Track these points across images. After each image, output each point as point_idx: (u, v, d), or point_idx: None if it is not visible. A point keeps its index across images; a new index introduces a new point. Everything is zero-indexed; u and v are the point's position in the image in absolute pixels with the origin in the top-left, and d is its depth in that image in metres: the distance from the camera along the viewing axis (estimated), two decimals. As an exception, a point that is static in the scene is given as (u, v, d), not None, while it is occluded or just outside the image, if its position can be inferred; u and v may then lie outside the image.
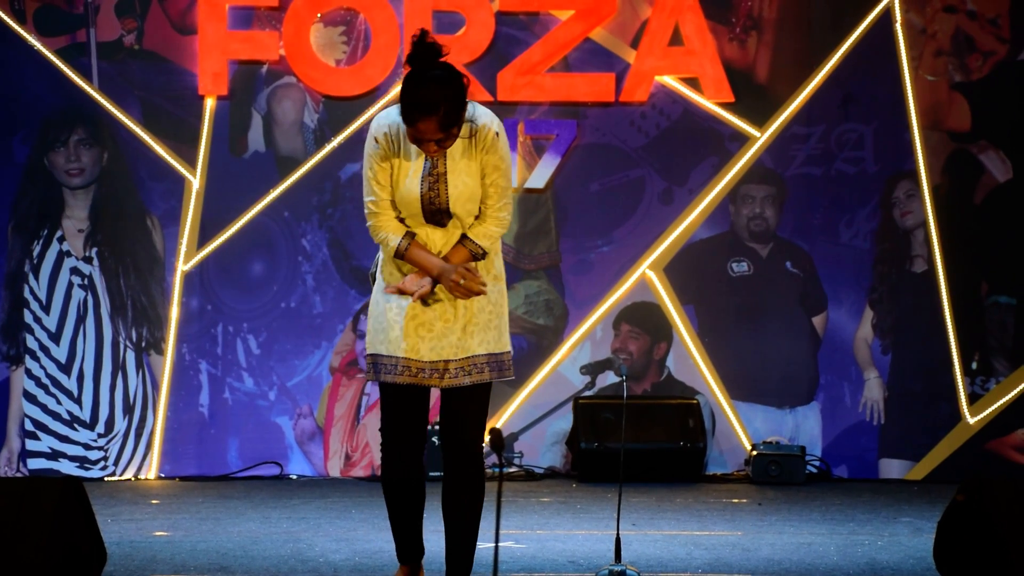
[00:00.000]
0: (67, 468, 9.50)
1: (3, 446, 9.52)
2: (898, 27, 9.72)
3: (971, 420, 9.71)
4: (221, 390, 9.61)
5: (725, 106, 9.71)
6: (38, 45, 9.53)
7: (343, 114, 9.66)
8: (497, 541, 4.65)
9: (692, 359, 9.75)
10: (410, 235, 5.07)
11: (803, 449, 9.45)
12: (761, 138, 9.73)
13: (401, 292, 5.07)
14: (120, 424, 9.56)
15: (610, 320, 9.76)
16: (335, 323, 9.68)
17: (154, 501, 8.59)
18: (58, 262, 9.57)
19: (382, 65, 9.60)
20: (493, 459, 9.17)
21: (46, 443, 9.52)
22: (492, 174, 5.07)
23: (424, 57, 4.96)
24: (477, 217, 5.11)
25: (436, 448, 8.35)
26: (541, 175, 9.69)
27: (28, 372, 9.54)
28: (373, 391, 9.61)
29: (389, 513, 5.22)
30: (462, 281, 5.00)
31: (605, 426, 9.31)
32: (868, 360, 9.78)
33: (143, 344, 9.58)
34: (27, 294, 9.56)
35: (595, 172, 9.77)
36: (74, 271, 9.58)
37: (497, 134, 5.06)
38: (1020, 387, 9.71)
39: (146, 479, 9.54)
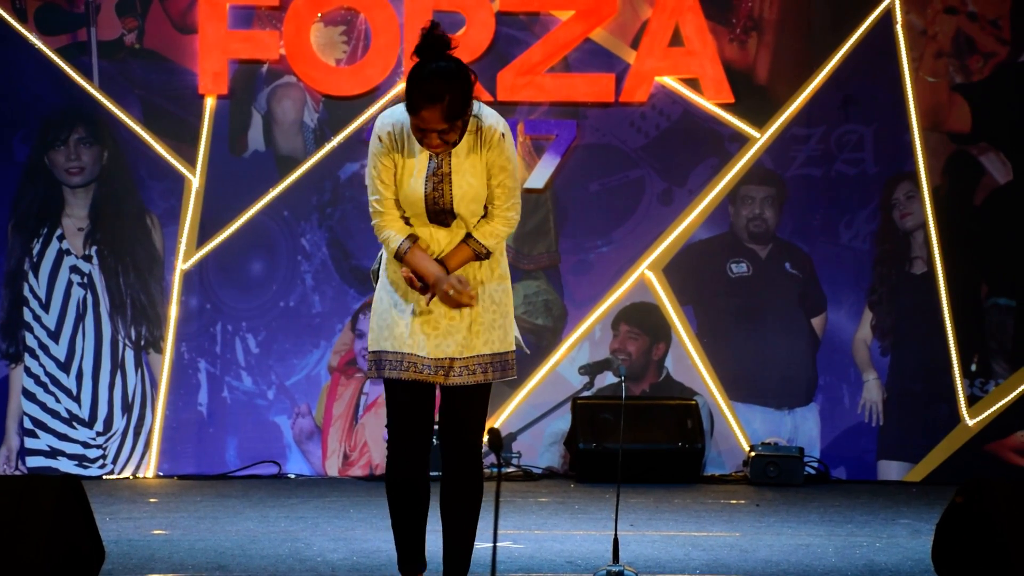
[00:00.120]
0: (66, 466, 9.50)
1: (2, 444, 9.52)
2: (898, 28, 9.72)
3: (970, 422, 9.71)
4: (220, 389, 9.61)
5: (725, 107, 9.71)
6: (39, 44, 9.53)
7: (343, 114, 9.66)
8: (495, 541, 4.65)
9: (691, 360, 9.75)
10: (412, 238, 5.04)
11: (801, 450, 9.45)
12: (761, 139, 9.73)
13: (412, 283, 5.04)
14: (119, 422, 9.56)
15: (609, 320, 9.76)
16: (334, 322, 9.68)
17: (152, 500, 8.59)
18: (58, 260, 9.57)
19: (382, 65, 9.60)
20: (491, 459, 9.17)
21: (45, 441, 9.53)
22: (499, 175, 5.05)
23: (432, 49, 4.94)
24: (483, 217, 5.09)
25: (435, 447, 8.34)
26: (541, 175, 9.70)
27: (27, 370, 9.54)
28: (371, 391, 9.62)
29: (392, 517, 5.16)
30: (451, 292, 4.98)
31: (603, 426, 9.31)
32: (867, 361, 9.78)
33: (142, 343, 9.58)
34: (27, 292, 9.56)
35: (595, 172, 9.77)
36: (74, 269, 9.58)
37: (503, 135, 5.03)
38: (1019, 389, 9.71)
39: (144, 478, 9.54)
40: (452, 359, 5.06)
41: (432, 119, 4.90)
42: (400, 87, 9.46)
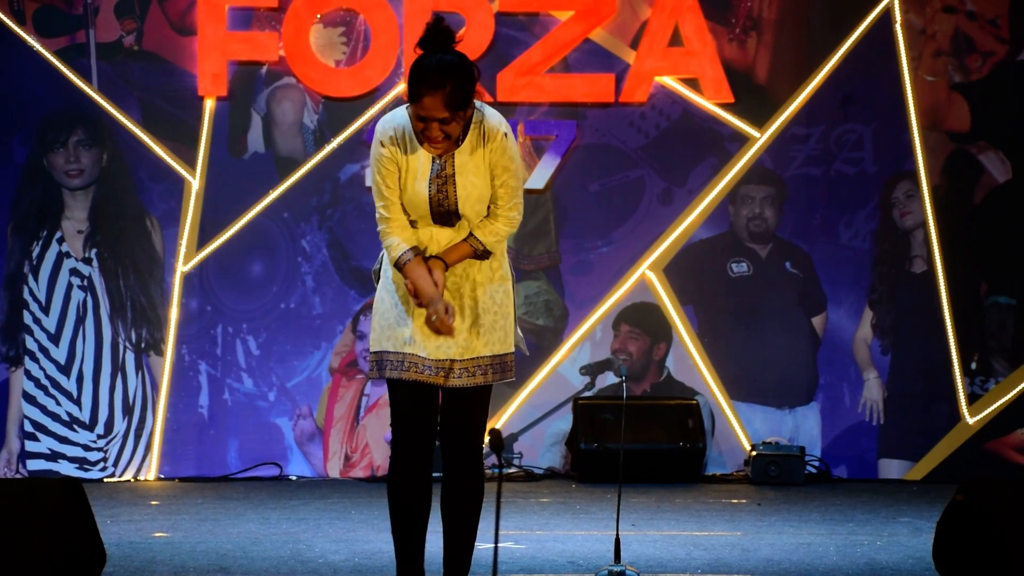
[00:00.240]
0: (66, 469, 9.50)
1: (3, 447, 9.52)
2: (898, 27, 9.72)
3: (970, 420, 9.71)
4: (221, 391, 9.62)
5: (725, 107, 9.72)
6: (37, 46, 9.53)
7: (343, 115, 9.66)
8: (496, 542, 4.65)
9: (692, 359, 9.75)
10: (415, 250, 5.01)
11: (802, 449, 9.45)
12: (761, 139, 9.74)
13: (411, 292, 5.03)
14: (119, 425, 9.56)
15: (610, 321, 9.76)
16: (335, 324, 9.68)
17: (153, 502, 8.59)
18: (57, 263, 9.57)
19: (382, 66, 9.60)
20: (493, 459, 9.17)
21: (45, 444, 9.53)
22: (502, 175, 5.03)
23: (435, 42, 4.92)
24: (486, 216, 5.07)
25: (436, 448, 8.34)
26: (541, 176, 9.70)
27: (27, 373, 9.54)
28: (372, 392, 9.62)
29: (392, 521, 5.12)
30: (434, 319, 4.95)
31: (604, 426, 9.31)
32: (867, 360, 9.78)
33: (143, 345, 9.58)
34: (26, 295, 9.56)
35: (595, 173, 9.77)
36: (73, 272, 9.58)
37: (506, 134, 5.01)
38: (1019, 387, 9.72)
39: (145, 480, 9.54)
40: (452, 361, 5.05)
41: (433, 106, 4.87)
42: (400, 88, 9.47)
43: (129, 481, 9.53)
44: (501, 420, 9.58)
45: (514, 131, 9.46)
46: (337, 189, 9.67)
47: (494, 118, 5.03)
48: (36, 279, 9.56)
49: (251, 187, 9.64)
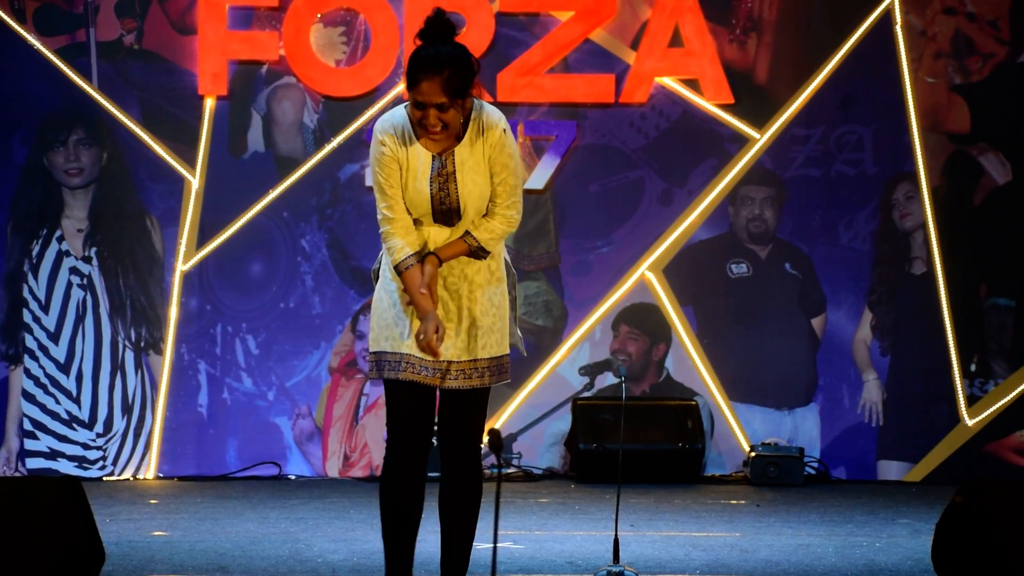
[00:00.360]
0: (66, 468, 9.50)
1: (2, 445, 9.52)
2: (898, 29, 9.72)
3: (970, 422, 9.71)
4: (220, 390, 9.62)
5: (725, 107, 9.72)
6: (38, 45, 9.53)
7: (343, 114, 9.66)
8: (495, 542, 4.65)
9: (691, 360, 9.75)
10: (416, 256, 4.98)
11: (801, 450, 9.45)
12: (761, 139, 9.74)
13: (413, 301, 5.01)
14: (119, 424, 9.56)
15: (609, 321, 9.76)
16: (334, 324, 9.68)
17: (152, 501, 8.59)
18: (57, 262, 9.58)
19: (382, 66, 9.60)
20: (492, 460, 9.17)
21: (45, 443, 9.53)
22: (501, 173, 5.00)
23: (434, 33, 4.90)
24: (484, 215, 5.05)
25: (435, 449, 8.34)
26: (541, 176, 9.70)
27: (27, 372, 9.55)
28: (372, 392, 9.62)
29: (383, 523, 5.07)
30: (422, 337, 4.93)
31: (604, 427, 9.31)
32: (867, 362, 9.78)
33: (142, 344, 9.58)
34: (26, 294, 9.56)
35: (594, 173, 9.77)
36: (73, 271, 9.58)
37: (505, 131, 4.99)
38: (1019, 389, 9.72)
39: (145, 479, 9.54)
40: (450, 362, 5.02)
41: (431, 92, 4.85)
42: (400, 88, 9.47)
43: (128, 480, 9.53)
44: (500, 420, 9.58)
45: (514, 131, 9.52)
46: (337, 189, 9.67)
47: (493, 114, 5.01)
48: (36, 278, 9.56)
49: (251, 186, 9.64)
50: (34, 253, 9.56)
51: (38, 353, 9.55)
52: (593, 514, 8.02)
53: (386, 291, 5.08)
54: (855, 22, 9.73)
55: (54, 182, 9.59)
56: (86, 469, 9.52)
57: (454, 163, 4.99)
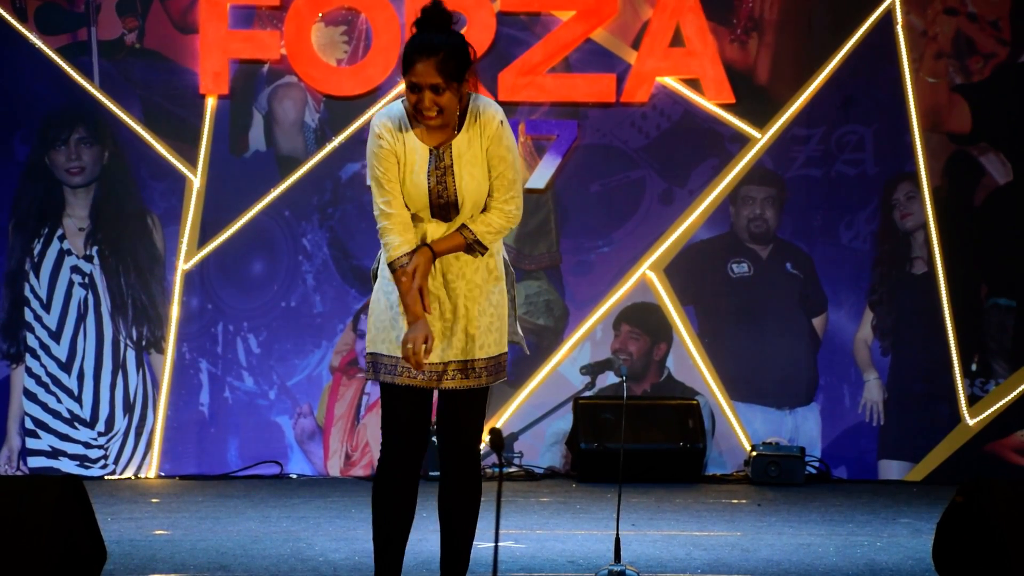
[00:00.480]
0: (67, 466, 9.51)
1: (3, 444, 9.52)
2: (899, 29, 9.73)
3: (970, 422, 9.71)
4: (221, 389, 9.62)
5: (726, 107, 9.72)
6: (39, 43, 9.54)
7: (344, 114, 9.66)
8: (497, 541, 4.65)
9: (692, 360, 9.76)
10: (411, 255, 4.95)
11: (802, 450, 9.45)
12: (761, 139, 9.74)
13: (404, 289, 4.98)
14: (120, 423, 9.56)
15: (610, 321, 9.76)
16: (335, 323, 9.68)
17: (154, 500, 8.59)
18: (59, 261, 9.58)
19: (383, 65, 9.60)
20: (493, 459, 9.18)
21: (46, 441, 9.53)
22: (499, 166, 4.96)
23: (431, 22, 4.88)
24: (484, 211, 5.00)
25: (434, 448, 8.35)
26: (542, 175, 9.70)
27: (28, 370, 9.55)
28: (373, 390, 9.62)
29: (374, 527, 5.06)
30: (408, 346, 4.87)
31: (605, 426, 9.32)
32: (868, 361, 9.78)
33: (143, 343, 9.59)
34: (27, 292, 9.56)
35: (596, 173, 9.77)
36: (75, 270, 9.59)
37: (501, 122, 4.95)
38: (1019, 389, 9.72)
39: (146, 478, 9.55)
40: (446, 363, 4.99)
41: (426, 72, 4.81)
42: (401, 87, 9.46)
43: (130, 479, 9.53)
44: (501, 419, 9.59)
45: (515, 131, 9.58)
46: (338, 188, 9.68)
47: (490, 107, 4.97)
48: (37, 276, 9.57)
49: (252, 185, 9.65)
50: (35, 252, 9.57)
51: (39, 352, 9.55)
52: (594, 513, 8.02)
53: (384, 292, 5.04)
54: (856, 22, 9.73)
55: (55, 181, 9.59)
56: (87, 468, 9.52)
57: (451, 156, 4.95)
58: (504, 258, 5.15)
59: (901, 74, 9.74)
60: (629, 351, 9.79)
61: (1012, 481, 5.75)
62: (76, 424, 9.54)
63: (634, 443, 9.36)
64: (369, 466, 9.58)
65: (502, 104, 9.34)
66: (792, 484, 9.31)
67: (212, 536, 7.10)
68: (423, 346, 4.88)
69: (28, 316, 9.56)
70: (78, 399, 9.56)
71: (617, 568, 5.81)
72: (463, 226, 4.97)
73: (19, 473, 9.45)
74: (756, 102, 9.75)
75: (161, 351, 9.57)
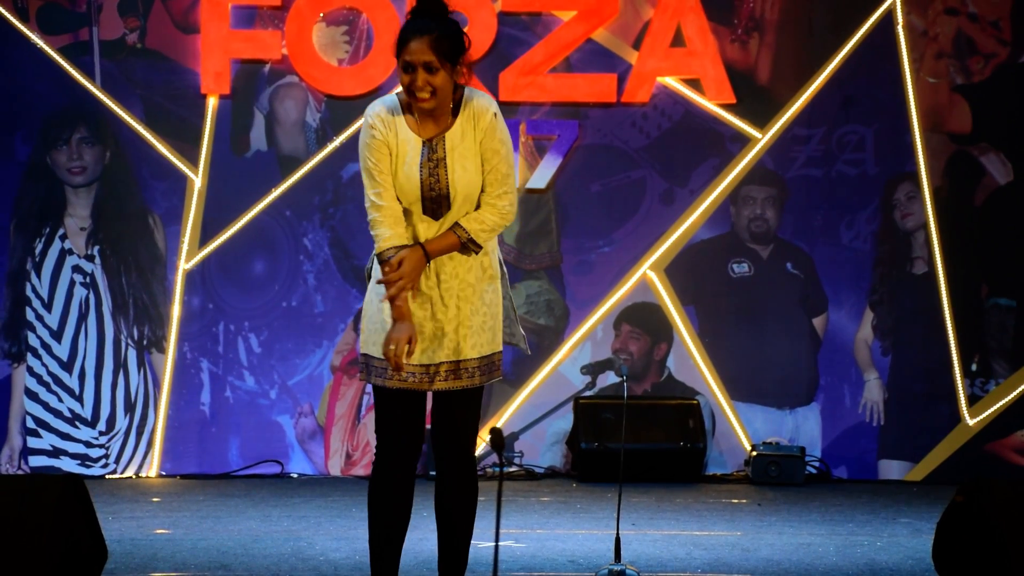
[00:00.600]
0: (68, 466, 9.51)
1: (4, 444, 9.53)
2: (899, 29, 9.73)
3: (971, 422, 9.72)
4: (222, 388, 9.63)
5: (726, 107, 9.72)
6: (41, 43, 9.54)
7: (345, 113, 9.67)
8: (497, 540, 4.65)
9: (692, 360, 9.76)
10: (398, 250, 4.90)
11: (803, 450, 9.46)
12: (762, 139, 9.74)
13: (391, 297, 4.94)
14: (121, 422, 9.57)
15: (611, 320, 9.76)
16: (336, 322, 9.69)
17: (155, 499, 8.60)
18: (60, 260, 9.59)
19: (384, 65, 9.61)
20: (493, 458, 9.18)
21: (47, 441, 9.54)
22: (492, 159, 4.93)
23: (428, 8, 4.88)
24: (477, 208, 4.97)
25: (429, 450, 8.36)
26: (542, 175, 9.70)
27: (30, 370, 9.56)
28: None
29: (370, 528, 5.05)
30: (392, 347, 4.83)
31: (605, 426, 9.32)
32: (868, 361, 9.79)
33: (144, 342, 9.59)
34: (29, 292, 9.57)
35: (596, 172, 9.78)
36: (76, 269, 9.60)
37: (496, 115, 4.93)
38: (1020, 389, 9.72)
39: (147, 477, 9.55)
40: (438, 364, 4.95)
41: (419, 50, 4.81)
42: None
43: (131, 478, 9.54)
44: (502, 419, 9.59)
45: (516, 131, 9.59)
46: (339, 188, 9.68)
47: (484, 99, 4.95)
48: (39, 276, 9.58)
49: (253, 185, 9.65)
50: (37, 251, 9.58)
51: (41, 351, 9.56)
52: (595, 513, 8.03)
53: (376, 292, 5.00)
54: (857, 22, 9.74)
55: (57, 180, 9.60)
56: (89, 467, 9.53)
57: (444, 148, 4.92)
58: (500, 257, 5.12)
59: (902, 74, 9.74)
60: (630, 351, 9.79)
61: (1012, 481, 5.75)
62: (77, 423, 9.55)
63: (634, 443, 9.36)
64: (370, 465, 9.56)
65: (503, 104, 9.41)
66: (792, 484, 9.31)
67: (213, 535, 7.11)
68: (406, 347, 4.86)
69: (29, 315, 9.57)
70: (79, 398, 9.56)
71: (617, 568, 5.81)
72: (456, 224, 4.93)
73: (20, 472, 9.45)
74: (757, 102, 9.75)
75: (162, 350, 9.58)
